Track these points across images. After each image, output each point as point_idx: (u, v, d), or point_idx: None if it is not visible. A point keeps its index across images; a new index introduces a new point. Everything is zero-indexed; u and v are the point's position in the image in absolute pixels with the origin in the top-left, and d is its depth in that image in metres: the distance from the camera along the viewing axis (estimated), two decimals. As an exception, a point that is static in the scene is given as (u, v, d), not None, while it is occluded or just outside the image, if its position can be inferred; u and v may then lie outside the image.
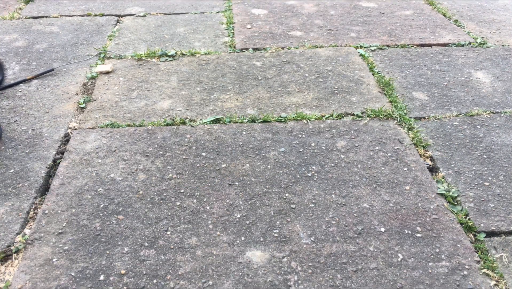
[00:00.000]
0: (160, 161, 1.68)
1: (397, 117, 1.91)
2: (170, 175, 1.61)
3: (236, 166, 1.65)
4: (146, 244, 1.35)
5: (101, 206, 1.48)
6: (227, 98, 2.06)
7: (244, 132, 1.83)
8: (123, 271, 1.27)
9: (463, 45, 2.58)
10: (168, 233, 1.39)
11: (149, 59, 2.39)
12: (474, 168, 1.66)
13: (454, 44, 2.59)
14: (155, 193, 1.53)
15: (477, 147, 1.77)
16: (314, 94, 2.08)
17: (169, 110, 1.96)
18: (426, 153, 1.73)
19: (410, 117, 1.92)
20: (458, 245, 1.36)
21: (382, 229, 1.41)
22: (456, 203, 1.51)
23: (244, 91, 2.11)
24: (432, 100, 2.06)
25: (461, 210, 1.48)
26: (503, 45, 2.59)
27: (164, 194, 1.53)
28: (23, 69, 2.28)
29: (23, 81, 2.17)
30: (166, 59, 2.38)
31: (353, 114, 1.94)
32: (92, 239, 1.36)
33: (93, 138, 1.78)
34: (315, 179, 1.60)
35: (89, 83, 2.17)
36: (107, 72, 2.25)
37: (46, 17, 2.90)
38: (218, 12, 3.01)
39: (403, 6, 3.15)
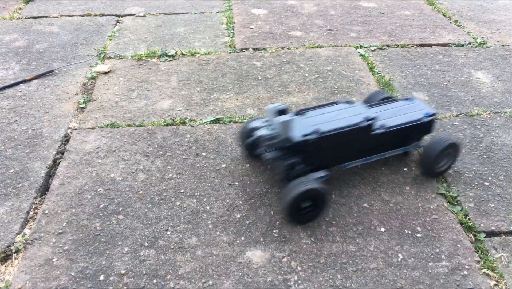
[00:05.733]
0: (160, 160, 1.68)
1: (397, 117, 1.91)
2: (170, 175, 1.61)
3: (236, 166, 1.65)
4: (146, 244, 1.35)
5: (101, 206, 1.48)
6: (227, 98, 2.06)
7: (244, 132, 1.82)
8: (123, 271, 1.27)
9: (463, 45, 2.58)
10: (168, 233, 1.39)
11: (149, 59, 2.39)
12: (474, 168, 1.66)
13: (454, 44, 2.59)
14: (155, 193, 1.53)
15: (477, 147, 1.77)
16: (314, 94, 2.08)
17: (169, 110, 1.96)
18: (426, 153, 1.73)
19: (410, 117, 1.92)
20: (458, 245, 1.36)
21: (382, 229, 1.41)
22: (456, 203, 1.51)
23: (244, 91, 2.11)
24: (432, 100, 2.06)
25: (461, 210, 1.48)
26: (503, 45, 2.59)
27: (164, 194, 1.53)
28: (23, 69, 2.28)
29: (23, 81, 2.17)
30: (166, 59, 2.38)
31: (353, 114, 1.94)
32: (92, 239, 1.36)
33: (93, 138, 1.78)
34: (315, 179, 1.60)
35: (89, 83, 2.17)
36: (105, 73, 2.25)
37: (46, 17, 2.90)
38: (218, 12, 3.01)
39: (403, 6, 3.15)
